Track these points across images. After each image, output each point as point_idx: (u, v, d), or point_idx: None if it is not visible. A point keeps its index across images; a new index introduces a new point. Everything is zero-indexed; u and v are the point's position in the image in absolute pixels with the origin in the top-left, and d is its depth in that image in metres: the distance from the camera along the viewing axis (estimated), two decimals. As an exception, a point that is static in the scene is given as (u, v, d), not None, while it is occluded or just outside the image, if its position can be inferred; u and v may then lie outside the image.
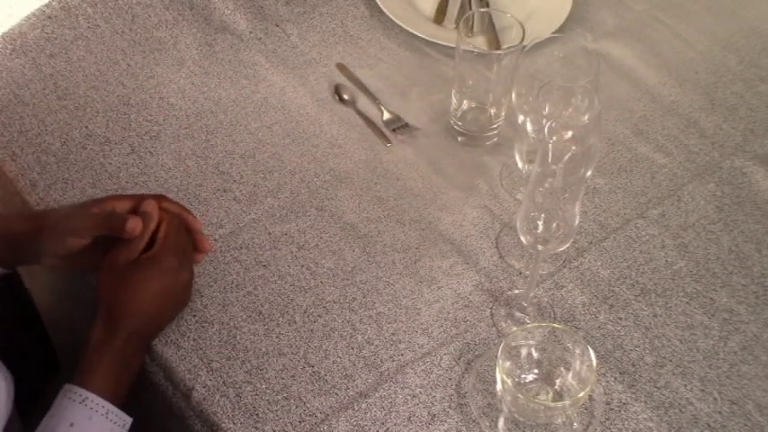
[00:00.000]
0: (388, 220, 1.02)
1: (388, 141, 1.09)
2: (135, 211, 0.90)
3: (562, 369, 0.86)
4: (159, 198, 0.93)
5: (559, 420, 0.86)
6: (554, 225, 0.85)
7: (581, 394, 0.81)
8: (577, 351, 0.84)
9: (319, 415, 0.86)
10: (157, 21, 1.22)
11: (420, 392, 0.88)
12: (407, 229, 1.01)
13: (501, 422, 0.86)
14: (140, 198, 0.92)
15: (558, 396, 0.86)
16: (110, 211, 0.90)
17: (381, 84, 1.17)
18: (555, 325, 0.86)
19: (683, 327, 0.94)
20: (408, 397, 0.88)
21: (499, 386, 0.83)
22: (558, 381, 0.87)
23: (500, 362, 0.82)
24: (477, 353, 0.91)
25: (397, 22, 1.22)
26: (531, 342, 0.86)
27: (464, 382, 0.89)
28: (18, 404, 0.87)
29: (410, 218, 1.02)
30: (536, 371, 0.87)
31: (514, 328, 0.90)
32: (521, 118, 0.98)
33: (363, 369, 0.89)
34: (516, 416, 0.85)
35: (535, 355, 0.87)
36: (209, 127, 1.10)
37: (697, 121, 1.14)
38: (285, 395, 0.87)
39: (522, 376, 0.87)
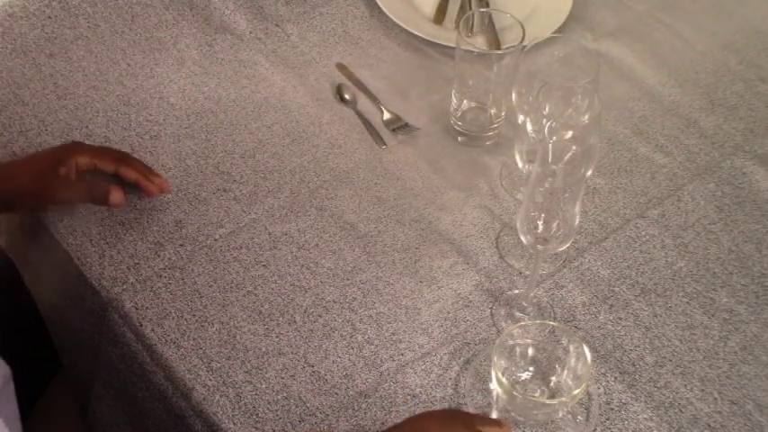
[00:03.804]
0: (388, 220, 1.02)
1: (384, 143, 1.09)
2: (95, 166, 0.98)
3: (557, 367, 0.86)
4: (118, 162, 0.98)
5: (557, 417, 0.86)
6: (554, 225, 0.85)
7: (576, 391, 0.81)
8: (572, 348, 0.84)
9: (319, 415, 0.86)
10: (157, 21, 1.22)
11: (420, 392, 0.88)
12: (407, 229, 1.01)
13: (495, 417, 0.86)
14: (100, 152, 0.99)
15: (554, 394, 0.86)
16: (91, 183, 0.97)
17: (381, 84, 1.17)
18: (549, 322, 0.86)
19: (683, 327, 0.94)
20: (408, 397, 0.88)
21: (494, 384, 0.83)
22: (553, 378, 0.87)
23: (495, 360, 0.82)
24: (476, 352, 0.91)
25: (397, 22, 1.22)
26: (526, 340, 0.86)
27: (462, 381, 0.89)
28: (18, 403, 0.87)
29: (410, 218, 1.02)
30: (531, 369, 0.87)
31: (510, 326, 0.90)
32: (521, 118, 0.98)
33: (363, 369, 0.89)
34: (513, 414, 0.85)
35: (530, 352, 0.87)
36: (210, 127, 1.10)
37: (697, 121, 1.14)
38: (285, 395, 0.87)
39: (518, 374, 0.87)
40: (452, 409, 0.86)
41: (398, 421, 0.85)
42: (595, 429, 0.86)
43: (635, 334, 0.93)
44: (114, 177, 0.99)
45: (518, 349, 0.87)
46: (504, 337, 0.84)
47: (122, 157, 0.99)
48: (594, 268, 0.99)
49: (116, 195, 0.96)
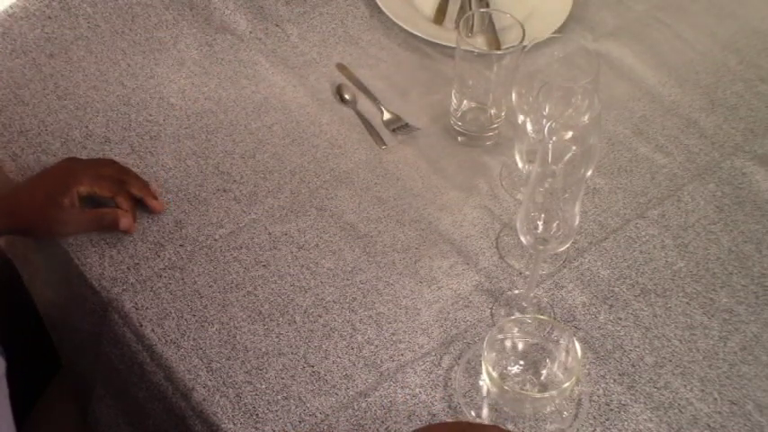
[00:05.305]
0: (388, 220, 1.02)
1: (384, 143, 1.09)
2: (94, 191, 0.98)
3: (548, 360, 0.86)
4: (116, 192, 0.98)
5: (547, 410, 0.86)
6: (554, 225, 0.85)
7: (566, 385, 0.81)
8: (563, 342, 0.84)
9: (319, 415, 0.86)
10: (157, 21, 1.22)
11: (420, 392, 0.88)
12: (407, 229, 1.01)
13: (485, 412, 0.86)
14: (98, 179, 0.97)
15: (545, 387, 0.86)
16: (98, 212, 0.97)
17: (381, 84, 1.17)
18: (540, 317, 0.86)
19: (683, 327, 0.94)
20: (408, 396, 0.88)
21: (485, 377, 0.83)
22: (544, 372, 0.87)
23: (485, 354, 0.82)
24: (466, 347, 0.91)
25: (397, 22, 1.22)
26: (516, 334, 0.87)
27: (454, 376, 0.89)
28: (18, 403, 0.86)
29: (410, 218, 1.02)
30: (522, 362, 0.88)
31: (501, 321, 0.91)
32: (521, 118, 0.98)
33: (363, 369, 0.89)
34: (505, 408, 0.86)
35: (521, 346, 0.87)
36: (209, 127, 1.10)
37: (697, 121, 1.14)
38: (285, 395, 0.87)
39: (509, 368, 0.87)
40: (463, 422, 0.86)
41: (398, 421, 0.85)
42: (595, 430, 0.86)
43: (635, 334, 0.93)
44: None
45: (508, 343, 0.87)
46: (495, 332, 0.84)
47: (121, 181, 0.99)
48: (594, 268, 0.99)
49: (125, 221, 0.97)
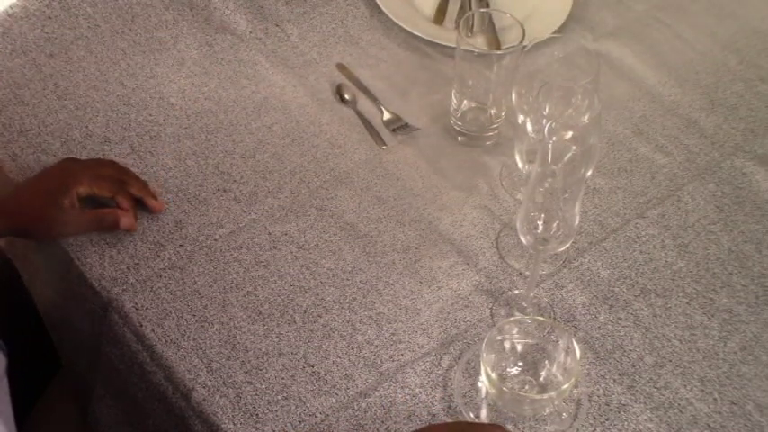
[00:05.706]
0: (388, 220, 1.02)
1: (384, 143, 1.09)
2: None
3: (547, 361, 0.86)
4: (116, 191, 0.98)
5: (547, 411, 0.86)
6: (554, 225, 0.85)
7: (565, 386, 0.81)
8: (562, 343, 0.84)
9: (319, 415, 0.86)
10: (157, 21, 1.22)
11: (420, 392, 0.88)
12: (407, 229, 1.01)
13: (484, 413, 0.86)
14: (97, 180, 0.97)
15: (544, 388, 0.86)
16: (99, 212, 0.97)
17: (381, 84, 1.17)
18: (539, 318, 0.86)
19: (683, 327, 0.94)
20: (408, 396, 0.88)
21: (483, 379, 0.83)
22: (543, 373, 0.87)
23: (484, 355, 0.82)
24: (465, 349, 0.91)
25: (397, 22, 1.22)
26: (515, 335, 0.87)
27: (453, 376, 0.89)
28: (18, 403, 0.87)
29: (410, 218, 1.02)
30: (521, 363, 0.88)
31: (500, 321, 0.91)
32: (521, 118, 0.98)
33: (363, 369, 0.89)
34: (504, 409, 0.86)
35: (520, 348, 0.87)
36: (209, 127, 1.10)
37: (697, 121, 1.14)
38: (285, 395, 0.87)
39: (508, 369, 0.87)
40: (462, 422, 0.86)
41: (398, 421, 0.85)
42: (595, 430, 0.86)
43: (635, 334, 0.93)
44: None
45: (507, 344, 0.87)
46: (494, 333, 0.84)
47: (121, 181, 0.99)
48: (594, 268, 0.99)
49: (126, 221, 0.97)
